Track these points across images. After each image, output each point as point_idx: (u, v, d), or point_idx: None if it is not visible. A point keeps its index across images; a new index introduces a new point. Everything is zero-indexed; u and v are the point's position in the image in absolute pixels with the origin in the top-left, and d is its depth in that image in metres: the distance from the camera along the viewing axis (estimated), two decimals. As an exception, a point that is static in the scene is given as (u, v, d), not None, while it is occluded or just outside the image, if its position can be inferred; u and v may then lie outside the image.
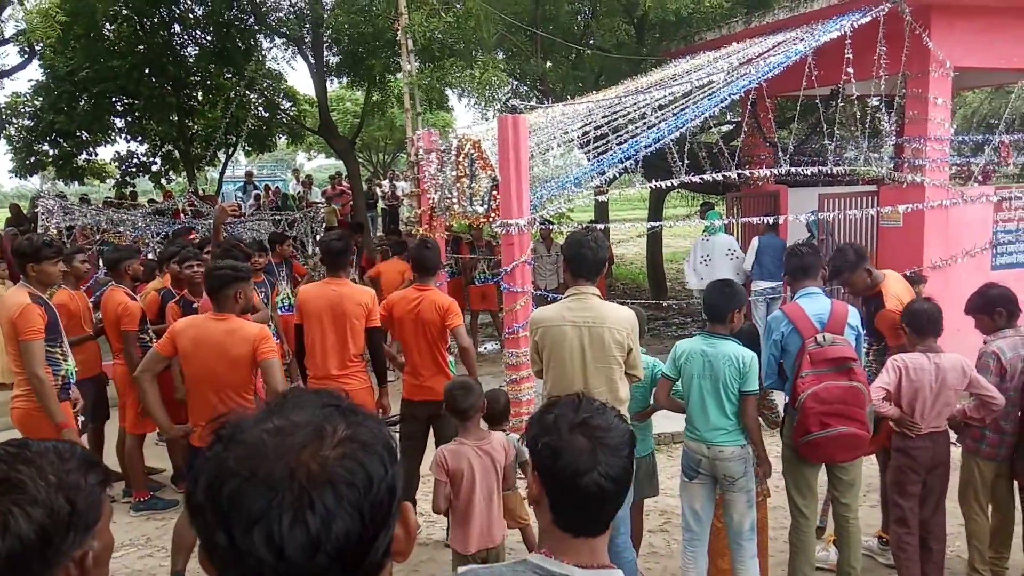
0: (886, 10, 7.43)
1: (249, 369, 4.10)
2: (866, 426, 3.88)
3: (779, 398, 4.39)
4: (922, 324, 4.03)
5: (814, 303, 4.01)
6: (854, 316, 4.05)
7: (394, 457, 0.93)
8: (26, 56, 15.36)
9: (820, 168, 7.63)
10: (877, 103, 8.05)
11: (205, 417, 4.14)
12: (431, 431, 4.92)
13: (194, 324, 4.17)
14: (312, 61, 14.12)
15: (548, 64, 11.99)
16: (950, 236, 7.88)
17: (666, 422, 5.11)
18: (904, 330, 4.16)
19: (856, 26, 7.41)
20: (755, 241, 8.81)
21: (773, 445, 5.91)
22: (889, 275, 4.62)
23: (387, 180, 21.72)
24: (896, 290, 4.50)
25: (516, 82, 13.42)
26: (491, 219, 6.77)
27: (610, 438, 1.55)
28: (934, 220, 7.80)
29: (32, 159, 16.10)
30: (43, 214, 10.34)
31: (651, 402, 4.37)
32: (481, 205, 6.92)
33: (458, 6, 10.27)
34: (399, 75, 11.83)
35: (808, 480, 4.10)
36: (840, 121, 8.30)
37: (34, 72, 18.90)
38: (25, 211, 15.88)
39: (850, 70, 7.31)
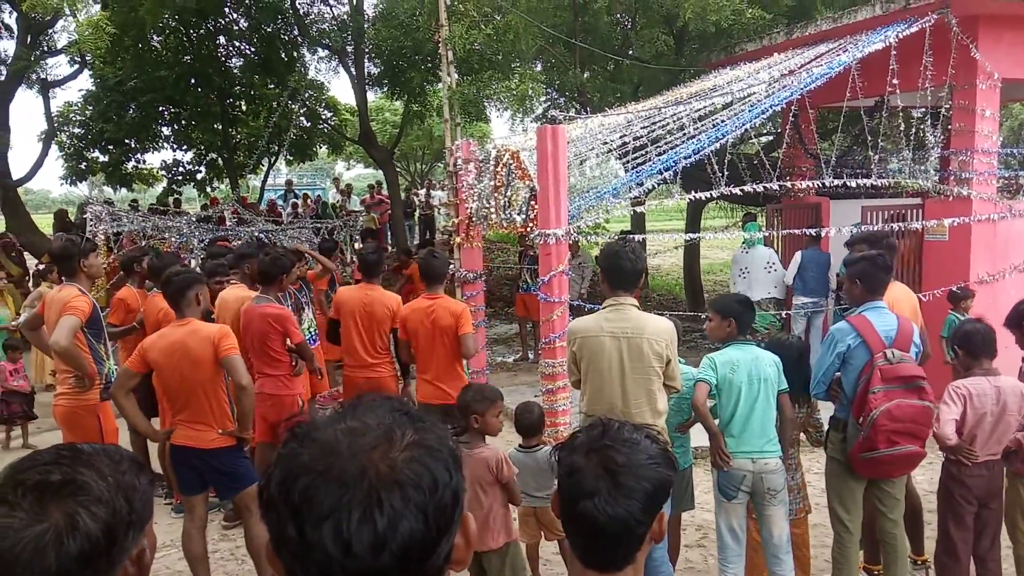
0: (932, 21, 7.32)
1: (214, 367, 4.20)
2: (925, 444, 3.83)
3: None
4: (976, 347, 3.92)
5: (881, 318, 3.93)
6: (916, 334, 3.99)
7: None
8: (77, 66, 15.83)
9: (863, 180, 7.51)
10: (922, 115, 7.91)
11: (179, 418, 4.29)
12: None
13: (161, 336, 4.27)
14: (353, 72, 14.33)
15: (586, 75, 12.00)
16: (997, 251, 7.70)
17: (704, 435, 5.05)
18: (956, 353, 4.06)
19: (901, 37, 7.31)
20: (798, 255, 8.69)
21: (814, 461, 5.84)
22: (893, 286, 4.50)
23: (424, 189, 21.91)
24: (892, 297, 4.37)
25: (554, 93, 13.47)
26: (529, 229, 6.79)
27: (624, 476, 1.44)
28: (981, 234, 7.63)
29: (83, 165, 16.57)
30: (91, 220, 10.62)
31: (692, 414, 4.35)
32: (519, 215, 6.95)
33: (498, 18, 10.34)
34: (438, 86, 11.95)
35: (855, 495, 4.03)
36: (884, 133, 8.18)
37: (85, 82, 19.46)
38: (73, 217, 16.33)
39: (895, 81, 7.20)
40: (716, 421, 3.96)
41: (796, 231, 8.24)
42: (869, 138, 7.85)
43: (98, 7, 12.74)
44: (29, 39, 14.59)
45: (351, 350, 5.65)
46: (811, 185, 7.91)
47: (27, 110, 41.04)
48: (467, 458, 3.62)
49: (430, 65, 12.54)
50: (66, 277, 4.85)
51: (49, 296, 4.92)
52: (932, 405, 3.78)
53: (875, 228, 7.76)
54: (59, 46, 15.21)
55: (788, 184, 7.79)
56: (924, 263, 8.17)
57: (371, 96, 16.08)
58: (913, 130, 7.68)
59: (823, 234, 8.08)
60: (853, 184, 7.45)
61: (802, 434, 4.41)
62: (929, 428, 3.79)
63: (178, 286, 4.23)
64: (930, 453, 4.01)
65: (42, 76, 15.51)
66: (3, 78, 14.49)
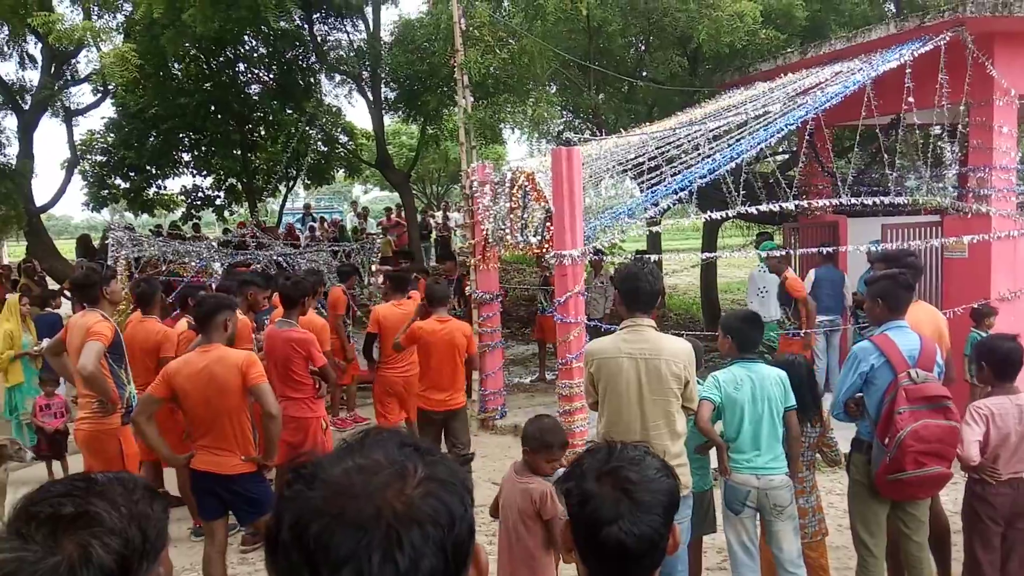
0: (947, 39, 7.31)
1: (240, 395, 4.22)
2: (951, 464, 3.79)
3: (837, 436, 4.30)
4: (1005, 368, 3.86)
5: (904, 337, 3.88)
6: (939, 353, 3.96)
7: (471, 496, 0.95)
8: (99, 95, 16.13)
9: (881, 198, 7.48)
10: (939, 132, 7.88)
11: (200, 443, 4.29)
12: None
13: (186, 362, 4.27)
14: (370, 97, 14.48)
15: (601, 97, 12.08)
16: (1018, 267, 7.62)
17: (723, 456, 5.03)
18: (980, 368, 4.02)
19: (916, 55, 7.31)
20: (811, 273, 8.62)
21: (836, 482, 5.77)
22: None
23: (440, 211, 22.02)
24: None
25: (570, 115, 13.55)
26: (544, 250, 6.82)
27: (640, 493, 1.43)
28: (1001, 251, 7.56)
29: (105, 192, 16.81)
30: (113, 245, 10.76)
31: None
32: (534, 236, 6.98)
33: (513, 43, 10.44)
34: (454, 109, 12.06)
35: (878, 517, 3.98)
36: (901, 150, 8.15)
37: (107, 110, 19.80)
38: (95, 243, 16.56)
39: (911, 99, 7.18)
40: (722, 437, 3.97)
41: (813, 250, 8.21)
42: (886, 156, 7.82)
43: (121, 37, 13.00)
44: (53, 68, 14.91)
45: (394, 359, 6.44)
46: (828, 203, 7.89)
47: (51, 138, 41.78)
48: (514, 486, 3.56)
49: (446, 89, 12.67)
50: (88, 304, 4.92)
51: (72, 322, 4.99)
52: (958, 425, 3.74)
53: (895, 246, 7.73)
54: (82, 75, 15.53)
55: (804, 203, 7.78)
56: (944, 280, 8.10)
57: (387, 120, 16.23)
58: (930, 147, 7.65)
59: (839, 252, 8.05)
60: (870, 202, 7.42)
61: (817, 454, 4.37)
62: (955, 448, 3.73)
63: (208, 309, 4.26)
64: (955, 474, 3.95)
65: (65, 104, 15.81)
66: (28, 107, 14.79)
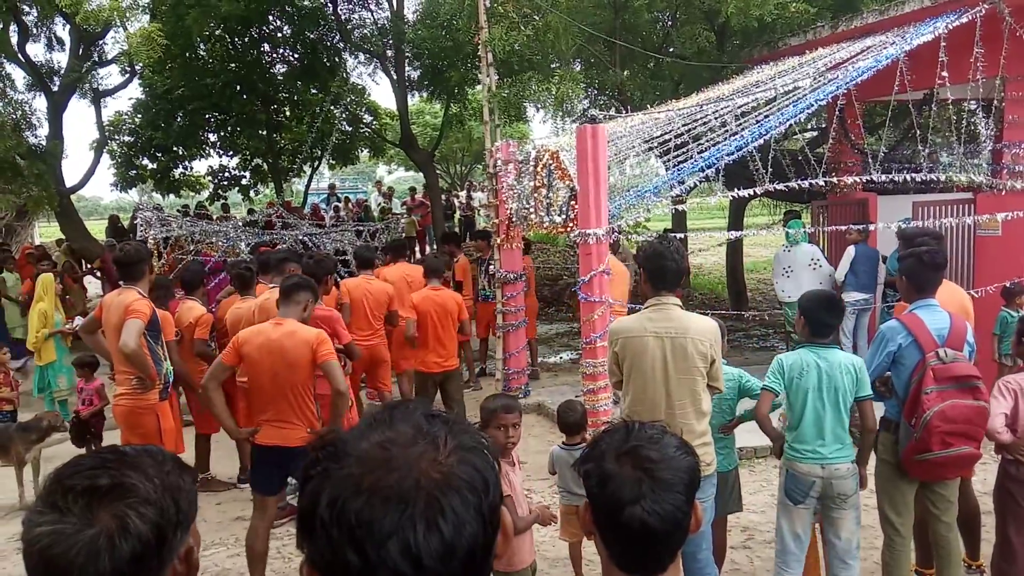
0: (983, 11, 7.11)
1: (309, 371, 4.26)
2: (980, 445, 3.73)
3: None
4: None
5: (934, 316, 3.80)
6: (970, 332, 3.88)
7: (498, 459, 0.96)
8: (127, 76, 16.27)
9: (912, 175, 7.34)
10: (974, 107, 7.69)
11: (268, 418, 4.32)
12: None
13: (259, 332, 4.32)
14: (394, 76, 14.47)
15: (626, 73, 11.94)
16: (1055, 246, 7.45)
17: (748, 436, 5.00)
18: (1019, 343, 3.95)
19: (951, 28, 7.12)
20: (851, 250, 8.47)
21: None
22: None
23: (464, 191, 22.00)
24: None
25: (595, 92, 13.42)
26: (569, 229, 6.79)
27: (661, 471, 1.41)
28: (1037, 229, 7.39)
29: (132, 172, 17.02)
30: (142, 226, 10.90)
31: (737, 414, 4.29)
32: (559, 215, 6.95)
33: (537, 19, 10.34)
34: (478, 87, 12.00)
35: (906, 497, 3.93)
36: (934, 126, 7.97)
37: (134, 91, 19.96)
38: (125, 223, 16.79)
39: (944, 73, 7.01)
40: (785, 423, 3.87)
41: (842, 227, 8.08)
42: (918, 132, 7.65)
43: (147, 18, 13.08)
44: (81, 50, 15.04)
45: (431, 342, 6.67)
46: (858, 181, 7.76)
47: (79, 119, 42.25)
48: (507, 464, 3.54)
49: (470, 66, 12.61)
50: (128, 281, 4.97)
51: (108, 300, 5.03)
52: (987, 405, 3.67)
53: (926, 224, 7.59)
54: (110, 56, 15.66)
55: (834, 180, 7.65)
56: (977, 259, 7.95)
57: (411, 100, 16.23)
58: (964, 123, 7.48)
59: (872, 229, 7.91)
60: (901, 179, 7.28)
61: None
62: (984, 429, 3.67)
63: (293, 285, 4.34)
64: (984, 454, 3.89)
65: (94, 86, 15.97)
66: (57, 89, 14.96)
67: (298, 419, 4.29)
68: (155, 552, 1.13)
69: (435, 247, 15.08)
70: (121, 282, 5.11)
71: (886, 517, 3.99)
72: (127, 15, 11.82)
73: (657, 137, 7.29)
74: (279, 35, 15.36)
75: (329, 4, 13.68)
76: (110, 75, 18.92)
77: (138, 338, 4.65)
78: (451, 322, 6.61)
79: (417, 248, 16.22)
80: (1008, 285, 6.75)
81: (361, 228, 13.46)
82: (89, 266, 14.33)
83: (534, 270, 10.36)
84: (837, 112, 8.74)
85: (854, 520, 3.76)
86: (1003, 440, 3.76)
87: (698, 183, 7.48)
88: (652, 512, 1.38)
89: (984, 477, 4.85)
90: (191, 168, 18.13)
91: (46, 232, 24.11)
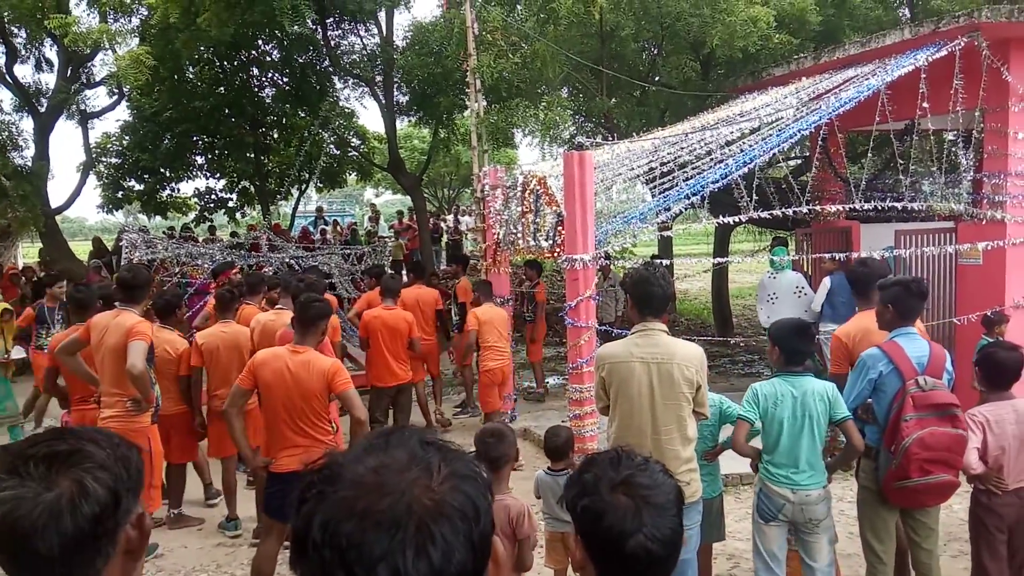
0: (962, 44, 7.27)
1: (324, 400, 4.26)
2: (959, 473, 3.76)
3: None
4: (999, 375, 3.84)
5: (913, 344, 3.85)
6: (949, 361, 3.92)
7: (491, 488, 0.96)
8: (115, 98, 16.28)
9: (894, 203, 7.44)
10: (954, 137, 7.83)
11: (282, 445, 4.30)
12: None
13: (276, 356, 4.32)
14: (383, 100, 14.54)
15: (613, 101, 12.07)
16: (1034, 274, 7.56)
17: (734, 463, 5.00)
18: (978, 373, 4.00)
19: (931, 60, 7.27)
20: (827, 281, 8.51)
21: (847, 489, 5.73)
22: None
23: (451, 215, 22.07)
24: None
25: (582, 119, 13.55)
26: (556, 254, 6.82)
27: (655, 496, 1.43)
28: (1016, 258, 7.50)
29: (119, 194, 16.95)
30: (127, 247, 10.84)
31: (719, 441, 4.30)
32: (546, 240, 6.99)
33: (525, 47, 10.46)
34: (466, 113, 12.08)
35: (887, 524, 3.96)
36: (915, 156, 8.10)
37: (122, 113, 19.96)
38: (110, 245, 16.69)
39: (925, 104, 7.15)
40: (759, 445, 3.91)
41: (826, 255, 8.16)
42: (900, 161, 7.78)
43: (136, 41, 13.12)
44: (69, 72, 15.05)
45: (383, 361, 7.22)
46: (841, 209, 7.86)
47: (67, 140, 42.09)
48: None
49: (458, 93, 12.71)
50: (128, 303, 4.95)
51: (102, 321, 4.98)
52: (965, 433, 3.70)
53: (909, 252, 7.68)
54: (98, 78, 15.68)
55: (817, 208, 7.74)
56: (958, 287, 8.04)
57: (400, 124, 16.29)
58: (945, 153, 7.61)
59: (850, 258, 7.98)
60: (884, 207, 7.38)
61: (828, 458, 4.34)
62: (962, 457, 3.71)
63: (314, 315, 4.32)
64: (964, 481, 3.92)
65: (81, 107, 15.96)
66: (44, 110, 14.93)
67: (314, 444, 4.28)
68: (112, 514, 1.18)
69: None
70: (117, 303, 5.09)
71: (868, 544, 4.00)
72: (116, 38, 11.85)
73: (644, 164, 7.36)
74: (268, 59, 15.42)
75: (319, 29, 13.76)
76: (98, 96, 18.89)
77: (144, 359, 4.67)
78: (401, 340, 7.16)
79: (404, 272, 16.21)
80: (988, 314, 6.84)
81: (348, 251, 13.46)
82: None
83: (545, 294, 10.61)
84: (820, 141, 8.86)
85: (827, 542, 3.81)
86: (975, 473, 3.80)
87: (684, 210, 7.55)
88: (654, 539, 1.39)
89: (967, 505, 4.87)
90: (178, 190, 18.09)
91: (29, 252, 23.92)
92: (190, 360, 5.88)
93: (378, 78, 14.41)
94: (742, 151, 6.99)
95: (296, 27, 11.39)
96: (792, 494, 3.73)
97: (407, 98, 14.68)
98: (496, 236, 8.35)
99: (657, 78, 11.80)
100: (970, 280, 7.90)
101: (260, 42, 14.34)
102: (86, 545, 1.15)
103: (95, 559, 1.17)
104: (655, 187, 7.43)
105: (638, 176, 7.61)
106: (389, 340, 7.13)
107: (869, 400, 3.92)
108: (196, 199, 18.15)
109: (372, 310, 7.41)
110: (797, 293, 8.78)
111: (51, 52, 15.25)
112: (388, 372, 7.17)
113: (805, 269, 9.78)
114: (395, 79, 14.24)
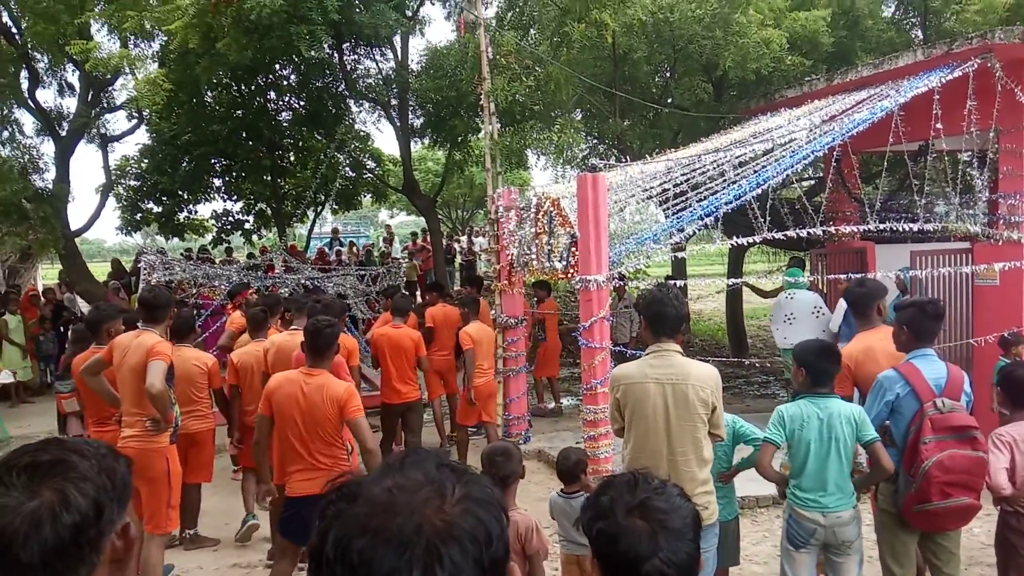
0: (975, 65, 7.28)
1: (337, 425, 4.27)
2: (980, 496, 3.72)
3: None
4: (1021, 396, 3.83)
5: (930, 366, 3.83)
6: (967, 382, 3.89)
7: (506, 514, 0.97)
8: (135, 122, 16.53)
9: (909, 224, 7.42)
10: (968, 158, 7.81)
11: (296, 468, 4.32)
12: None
13: (288, 380, 4.36)
14: (397, 123, 14.68)
15: (626, 123, 12.15)
16: (1052, 295, 7.49)
17: (750, 485, 4.97)
18: (1000, 394, 3.97)
19: (944, 81, 7.28)
20: (843, 302, 8.48)
21: (866, 512, 5.67)
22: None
23: (465, 236, 22.14)
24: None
25: (595, 141, 13.62)
26: (570, 276, 6.85)
27: (672, 521, 1.43)
28: (1034, 279, 7.44)
29: (138, 216, 17.15)
30: (145, 269, 10.97)
31: (734, 462, 4.28)
32: (560, 261, 7.01)
33: (539, 70, 10.56)
34: (480, 135, 12.18)
35: (907, 548, 3.91)
36: (929, 177, 8.09)
37: (141, 136, 20.25)
38: (128, 266, 16.87)
39: (939, 126, 7.15)
40: (787, 470, 3.88)
41: (841, 276, 8.13)
42: (914, 182, 7.76)
43: (156, 66, 13.34)
44: (90, 96, 15.31)
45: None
46: (855, 230, 7.84)
47: (87, 163, 42.77)
48: None
49: (473, 115, 12.82)
50: (150, 323, 5.02)
51: (123, 341, 5.04)
52: (986, 456, 3.67)
53: (924, 273, 7.64)
54: (118, 102, 15.92)
55: (832, 228, 7.72)
56: (975, 308, 7.98)
57: (414, 146, 16.42)
58: (959, 174, 7.59)
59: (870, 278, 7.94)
60: (899, 228, 7.36)
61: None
62: (983, 479, 3.67)
63: (327, 342, 4.36)
64: (985, 504, 3.88)
65: (101, 131, 16.21)
66: (65, 134, 15.17)
67: (328, 467, 4.30)
68: (94, 523, 1.20)
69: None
70: (140, 324, 5.15)
71: (888, 568, 3.96)
72: (136, 64, 12.06)
73: (657, 186, 7.39)
74: (285, 83, 15.62)
75: (335, 54, 13.94)
76: (118, 120, 19.14)
77: (163, 379, 4.71)
78: (407, 358, 7.25)
79: (418, 292, 16.28)
80: (1006, 335, 6.78)
81: (363, 272, 13.53)
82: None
83: (557, 312, 10.84)
84: (834, 162, 8.86)
85: (857, 563, 3.76)
86: (1005, 495, 3.75)
87: (697, 231, 7.56)
88: (670, 563, 1.40)
89: (989, 528, 4.82)
90: (195, 212, 18.28)
91: (49, 274, 24.18)
92: (218, 374, 6.05)
93: (393, 101, 14.57)
94: (755, 172, 7.00)
95: (313, 52, 11.54)
96: (823, 517, 3.69)
97: (422, 121, 14.81)
98: (510, 257, 8.39)
99: (670, 100, 11.87)
100: (987, 301, 7.85)
101: (277, 67, 14.52)
102: (68, 554, 1.16)
103: (78, 568, 1.18)
104: (668, 208, 7.45)
105: (651, 197, 7.64)
106: (394, 358, 7.22)
107: (887, 422, 3.89)
108: (213, 221, 18.33)
109: (380, 328, 7.53)
110: (815, 313, 8.72)
111: (73, 77, 15.53)
112: (393, 390, 7.27)
113: (821, 288, 9.73)
114: (410, 102, 14.39)
